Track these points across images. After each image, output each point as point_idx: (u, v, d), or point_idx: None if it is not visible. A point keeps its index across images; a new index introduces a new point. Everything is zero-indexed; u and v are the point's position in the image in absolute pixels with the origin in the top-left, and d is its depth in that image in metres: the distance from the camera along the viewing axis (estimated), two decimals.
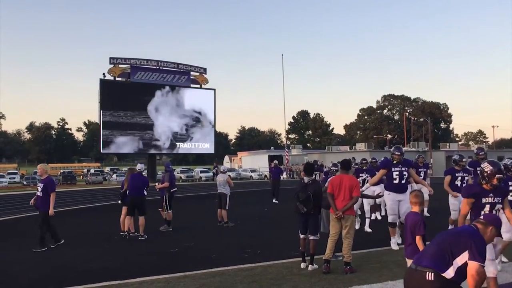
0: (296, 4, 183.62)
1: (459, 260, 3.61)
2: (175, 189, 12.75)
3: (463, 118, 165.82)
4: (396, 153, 8.90)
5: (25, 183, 47.12)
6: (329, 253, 7.11)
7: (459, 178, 9.35)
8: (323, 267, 7.05)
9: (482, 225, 3.92)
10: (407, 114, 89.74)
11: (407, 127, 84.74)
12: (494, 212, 5.31)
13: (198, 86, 42.91)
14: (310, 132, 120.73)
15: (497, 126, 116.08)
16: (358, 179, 11.15)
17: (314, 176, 7.74)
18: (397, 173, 8.75)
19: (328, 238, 7.35)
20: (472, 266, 3.51)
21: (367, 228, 11.14)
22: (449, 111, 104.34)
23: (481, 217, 4.10)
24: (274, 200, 19.11)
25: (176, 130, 41.29)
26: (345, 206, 7.05)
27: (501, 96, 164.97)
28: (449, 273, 3.58)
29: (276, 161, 21.41)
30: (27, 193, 29.22)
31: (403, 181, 8.78)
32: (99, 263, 8.36)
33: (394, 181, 8.75)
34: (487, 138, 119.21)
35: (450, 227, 9.20)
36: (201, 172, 49.31)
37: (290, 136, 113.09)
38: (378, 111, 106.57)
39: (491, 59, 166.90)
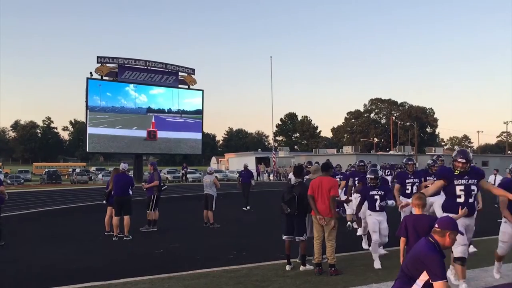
0: (285, 7, 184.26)
1: (420, 281, 3.77)
2: (166, 186, 12.81)
3: (449, 123, 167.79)
4: (460, 159, 6.02)
5: (9, 182, 46.39)
6: (318, 256, 7.17)
7: None
8: (315, 270, 7.11)
9: (438, 234, 3.90)
10: (393, 118, 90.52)
11: (393, 131, 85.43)
12: None
13: (186, 86, 42.75)
14: (298, 134, 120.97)
15: (482, 131, 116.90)
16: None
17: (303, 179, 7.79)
18: (462, 187, 5.99)
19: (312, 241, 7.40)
20: (437, 286, 3.64)
21: (364, 245, 9.23)
22: (435, 116, 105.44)
23: (436, 224, 3.96)
24: (244, 207, 17.31)
25: (163, 130, 41.07)
26: (327, 209, 7.08)
27: (486, 101, 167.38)
28: None
29: (246, 164, 20.17)
30: (11, 192, 28.85)
31: (471, 199, 6.02)
32: (83, 263, 8.27)
33: (458, 200, 5.96)
34: (472, 143, 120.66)
35: (496, 265, 6.65)
36: (188, 173, 49.07)
37: (277, 138, 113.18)
38: (365, 115, 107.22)
39: (477, 65, 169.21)
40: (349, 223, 11.61)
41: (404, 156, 55.39)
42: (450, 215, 5.21)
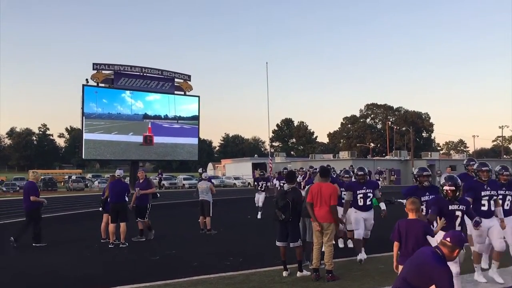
0: (281, 13, 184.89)
1: None
2: (158, 195, 12.62)
3: (445, 127, 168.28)
4: None
5: (4, 189, 46.18)
6: (316, 262, 7.15)
7: None
8: (312, 276, 7.09)
9: (448, 249, 3.88)
10: (389, 123, 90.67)
11: (389, 136, 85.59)
12: None
13: (182, 93, 42.76)
14: (294, 140, 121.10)
15: (478, 136, 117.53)
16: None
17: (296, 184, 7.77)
18: None
19: (311, 246, 7.38)
20: None
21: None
22: (430, 121, 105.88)
23: (448, 238, 3.93)
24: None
25: (159, 136, 41.03)
26: (326, 215, 7.08)
27: (481, 106, 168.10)
28: None
29: (203, 170, 17.80)
30: (7, 200, 28.71)
31: None
32: (79, 270, 8.24)
33: None
34: (467, 147, 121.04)
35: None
36: (185, 179, 49.02)
37: (274, 144, 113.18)
38: (361, 120, 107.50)
39: (473, 70, 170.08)
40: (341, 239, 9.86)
41: (400, 161, 55.58)
42: None
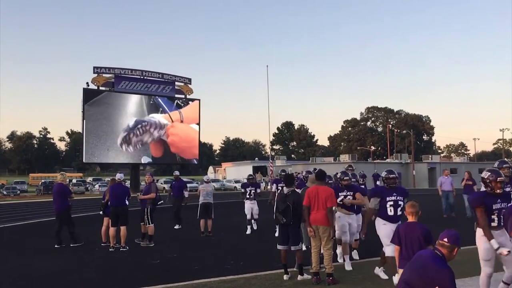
0: (281, 16, 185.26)
1: None
2: (162, 201, 12.51)
3: (445, 130, 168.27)
4: None
5: (5, 193, 46.23)
6: (316, 266, 7.13)
7: None
8: (313, 279, 7.07)
9: (448, 249, 3.86)
10: (390, 126, 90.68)
11: (390, 139, 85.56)
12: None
13: (183, 96, 42.79)
14: (295, 143, 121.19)
15: (478, 139, 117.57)
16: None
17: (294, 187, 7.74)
18: None
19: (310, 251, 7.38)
20: None
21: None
22: (431, 124, 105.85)
23: (445, 239, 3.86)
24: (176, 226, 14.70)
25: (159, 139, 41.04)
26: (324, 218, 7.04)
27: (482, 109, 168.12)
28: None
29: (177, 173, 16.02)
30: (7, 203, 28.74)
31: None
32: (80, 274, 8.23)
33: None
34: (468, 150, 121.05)
35: None
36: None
37: (274, 147, 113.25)
38: (362, 123, 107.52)
39: (473, 72, 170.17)
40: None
41: (401, 164, 55.51)
42: None
